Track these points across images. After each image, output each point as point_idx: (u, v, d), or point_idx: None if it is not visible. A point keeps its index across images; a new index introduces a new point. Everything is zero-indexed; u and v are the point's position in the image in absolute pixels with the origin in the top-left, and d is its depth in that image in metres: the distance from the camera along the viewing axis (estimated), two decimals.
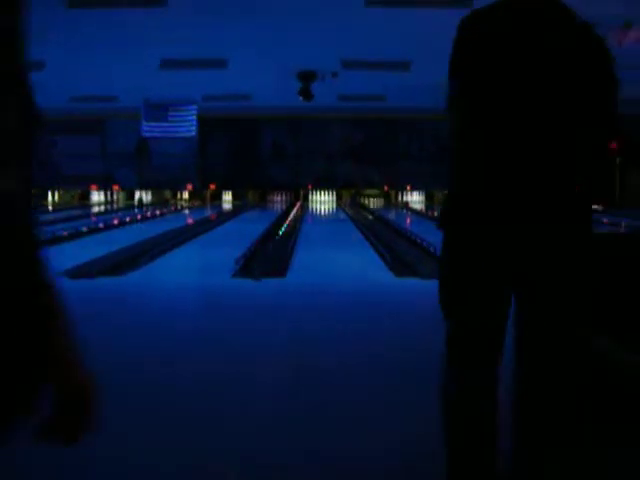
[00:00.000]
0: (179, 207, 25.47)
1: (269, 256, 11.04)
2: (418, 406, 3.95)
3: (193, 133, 24.66)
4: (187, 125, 24.23)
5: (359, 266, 10.52)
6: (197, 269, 10.97)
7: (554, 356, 2.47)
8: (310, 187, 27.34)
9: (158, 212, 22.10)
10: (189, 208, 25.09)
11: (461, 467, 2.52)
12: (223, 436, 3.74)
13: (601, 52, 2.40)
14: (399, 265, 10.06)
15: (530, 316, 2.49)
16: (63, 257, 10.99)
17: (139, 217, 20.24)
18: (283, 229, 10.02)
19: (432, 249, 10.64)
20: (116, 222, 17.85)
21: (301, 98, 17.82)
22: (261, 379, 4.72)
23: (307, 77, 17.28)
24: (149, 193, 28.11)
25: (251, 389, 4.51)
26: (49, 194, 27.92)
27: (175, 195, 28.16)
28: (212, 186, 27.86)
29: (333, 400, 4.28)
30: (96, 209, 24.75)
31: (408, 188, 26.75)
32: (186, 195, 28.02)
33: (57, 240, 13.13)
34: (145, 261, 10.42)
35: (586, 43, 2.38)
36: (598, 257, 2.56)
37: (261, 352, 5.39)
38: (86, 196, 27.91)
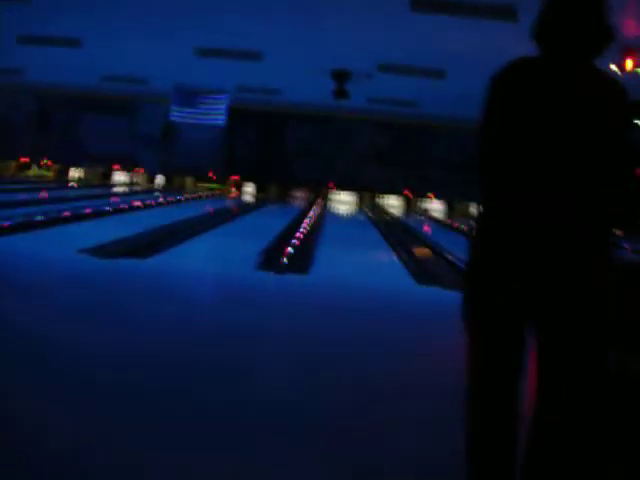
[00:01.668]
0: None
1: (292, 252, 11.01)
2: (431, 419, 3.92)
3: (222, 122, 24.69)
4: (216, 114, 24.26)
5: (378, 268, 10.51)
6: (218, 259, 10.97)
7: (569, 382, 2.56)
8: (332, 186, 27.31)
9: (181, 198, 22.11)
10: (210, 197, 25.08)
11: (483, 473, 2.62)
12: (234, 431, 3.72)
13: (621, 106, 2.58)
14: (420, 272, 10.03)
15: (545, 345, 2.58)
16: (85, 235, 11.05)
17: (161, 201, 20.26)
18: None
19: (451, 258, 10.62)
20: (139, 204, 17.87)
21: (335, 98, 17.79)
22: (273, 374, 4.71)
23: (341, 77, 17.26)
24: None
25: (263, 384, 4.50)
26: (71, 170, 27.99)
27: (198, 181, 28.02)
28: (235, 177, 27.88)
29: (345, 399, 4.26)
30: (118, 189, 24.79)
31: (431, 196, 26.67)
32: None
33: (80, 217, 13.18)
34: (166, 247, 10.42)
35: (609, 98, 2.56)
36: (615, 288, 2.66)
37: (276, 346, 5.38)
38: (108, 176, 27.97)
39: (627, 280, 3.64)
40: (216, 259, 10.83)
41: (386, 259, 11.40)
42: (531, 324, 2.58)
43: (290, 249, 10.68)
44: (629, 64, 12.84)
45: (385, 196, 27.29)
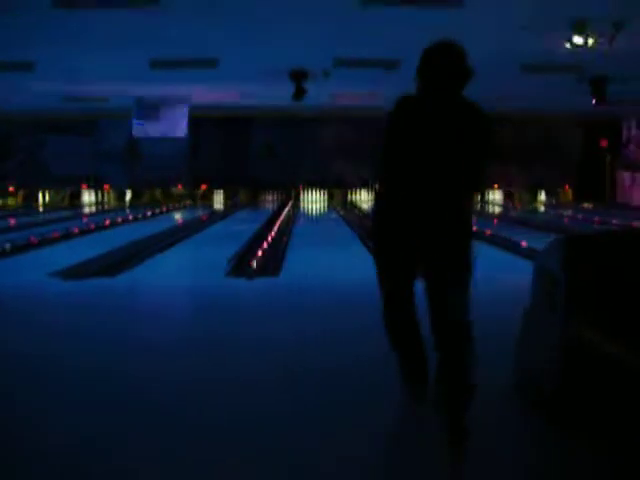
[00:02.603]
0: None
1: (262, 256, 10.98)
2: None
3: (184, 133, 24.60)
4: (178, 125, 24.18)
5: (351, 265, 10.50)
6: (189, 270, 10.94)
7: (441, 295, 3.84)
8: (301, 187, 27.31)
9: (149, 213, 22.03)
10: (181, 208, 24.99)
11: (406, 359, 4.08)
12: (215, 441, 3.71)
13: (482, 130, 3.83)
14: None
15: (427, 272, 3.88)
16: (55, 258, 10.98)
17: (130, 217, 20.18)
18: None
19: None
20: (107, 223, 17.79)
21: (294, 98, 17.75)
22: (254, 380, 4.69)
23: (299, 76, 17.23)
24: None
25: (245, 390, 4.49)
26: (39, 195, 27.83)
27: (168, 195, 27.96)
28: (203, 186, 27.81)
29: (328, 400, 4.26)
30: (87, 210, 24.65)
31: None
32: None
33: (48, 241, 13.09)
34: (137, 262, 10.37)
35: (471, 125, 3.80)
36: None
37: (254, 352, 5.36)
38: (77, 196, 27.83)
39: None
40: (186, 270, 10.80)
41: (357, 255, 11.38)
42: (418, 259, 3.88)
43: (260, 253, 10.68)
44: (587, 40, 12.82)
45: (356, 192, 27.33)
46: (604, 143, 26.84)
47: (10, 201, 27.15)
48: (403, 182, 3.82)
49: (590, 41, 12.77)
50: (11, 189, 27.52)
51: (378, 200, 4.03)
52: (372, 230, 4.07)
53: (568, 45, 12.98)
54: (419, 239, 3.80)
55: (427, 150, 3.76)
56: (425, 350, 4.03)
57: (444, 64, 3.76)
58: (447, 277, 3.81)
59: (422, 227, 3.79)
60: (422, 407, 3.94)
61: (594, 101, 18.25)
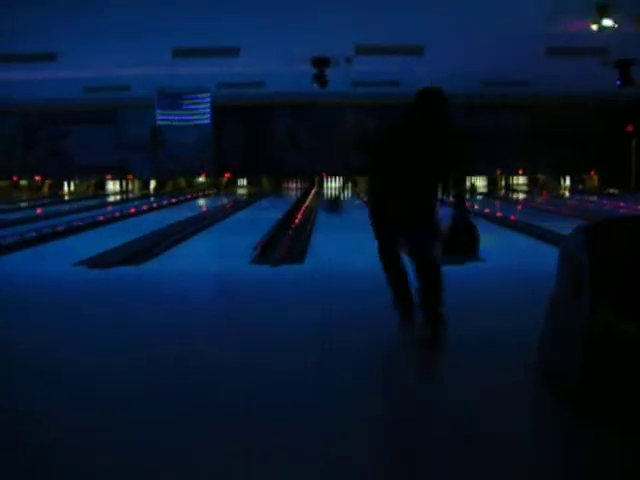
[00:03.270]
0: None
1: (286, 243, 10.97)
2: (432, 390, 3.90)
3: (207, 121, 24.65)
4: (201, 113, 24.22)
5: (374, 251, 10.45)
6: (214, 257, 10.96)
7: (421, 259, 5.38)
8: (325, 174, 27.27)
9: (174, 200, 22.09)
10: (205, 197, 25.04)
11: (396, 296, 5.59)
12: (240, 429, 3.71)
13: (459, 148, 5.53)
14: None
15: (407, 242, 5.49)
16: (80, 247, 11.04)
17: (155, 205, 20.26)
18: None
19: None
20: (132, 211, 17.87)
21: (316, 85, 17.73)
22: (279, 366, 4.70)
23: (321, 63, 17.20)
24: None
25: (269, 376, 4.49)
26: (64, 185, 28.04)
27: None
28: (227, 175, 27.85)
29: (352, 387, 4.26)
30: (112, 198, 24.78)
31: None
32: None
33: (73, 230, 13.16)
34: (161, 250, 10.41)
35: (447, 142, 5.45)
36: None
37: (277, 340, 5.36)
38: (102, 186, 28.01)
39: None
40: (210, 258, 10.82)
41: None
42: (401, 234, 5.49)
43: (284, 240, 10.68)
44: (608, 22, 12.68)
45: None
46: (630, 128, 26.58)
47: (37, 191, 27.39)
48: (397, 182, 5.39)
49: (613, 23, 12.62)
50: (37, 179, 27.76)
51: (373, 197, 5.69)
52: (372, 214, 5.60)
53: (595, 27, 12.84)
54: (405, 220, 5.40)
55: (419, 158, 5.36)
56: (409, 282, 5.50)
57: (433, 101, 5.39)
58: (420, 239, 5.36)
59: (408, 213, 5.39)
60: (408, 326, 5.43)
61: (619, 82, 18.07)
